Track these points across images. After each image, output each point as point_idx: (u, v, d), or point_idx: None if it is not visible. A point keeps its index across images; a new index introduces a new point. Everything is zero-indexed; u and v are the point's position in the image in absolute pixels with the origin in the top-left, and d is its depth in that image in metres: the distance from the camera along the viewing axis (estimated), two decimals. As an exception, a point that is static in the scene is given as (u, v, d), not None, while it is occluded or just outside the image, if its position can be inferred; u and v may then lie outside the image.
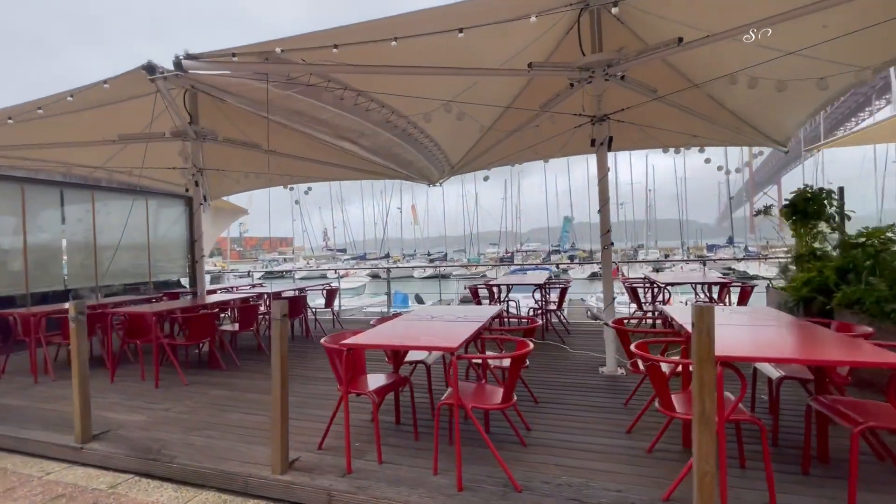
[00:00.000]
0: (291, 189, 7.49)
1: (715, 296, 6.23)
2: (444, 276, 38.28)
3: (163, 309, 5.10)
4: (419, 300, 21.11)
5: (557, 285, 6.81)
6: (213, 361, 5.47)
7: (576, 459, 2.86)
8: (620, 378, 4.47)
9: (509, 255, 51.02)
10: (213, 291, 7.64)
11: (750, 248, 46.40)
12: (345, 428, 2.82)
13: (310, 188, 7.38)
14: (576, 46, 4.81)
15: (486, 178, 6.89)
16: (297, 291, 6.95)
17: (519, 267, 35.53)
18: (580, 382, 4.37)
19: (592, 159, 4.80)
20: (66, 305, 6.09)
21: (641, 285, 6.63)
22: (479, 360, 3.27)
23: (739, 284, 5.67)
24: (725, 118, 5.76)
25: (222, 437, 3.44)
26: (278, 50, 2.94)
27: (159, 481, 3.06)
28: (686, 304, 6.01)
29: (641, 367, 2.95)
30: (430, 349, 2.72)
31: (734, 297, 6.03)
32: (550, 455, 2.92)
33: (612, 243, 4.67)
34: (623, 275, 22.60)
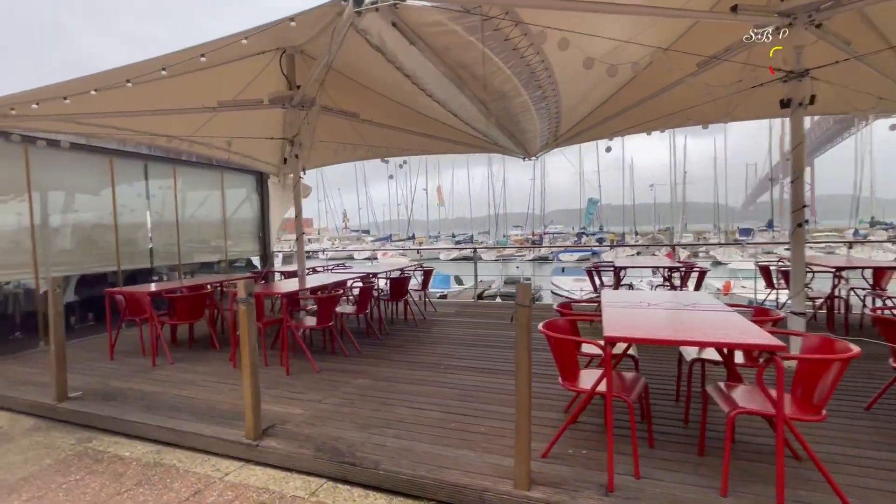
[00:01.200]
0: (386, 162, 6.99)
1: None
2: (471, 259, 37.85)
3: (293, 290, 4.68)
4: (459, 281, 20.85)
5: (680, 268, 6.20)
6: (333, 346, 5.09)
7: (883, 481, 2.35)
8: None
9: (537, 237, 50.08)
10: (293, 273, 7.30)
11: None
12: (607, 436, 2.34)
13: (405, 161, 6.87)
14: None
15: (608, 150, 6.27)
16: (399, 272, 6.50)
17: (574, 248, 34.66)
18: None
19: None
20: (155, 286, 5.73)
21: (778, 267, 5.97)
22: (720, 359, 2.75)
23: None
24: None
25: (411, 437, 3.01)
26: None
27: (362, 489, 2.66)
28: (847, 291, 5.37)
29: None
30: (748, 347, 2.21)
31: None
32: (844, 473, 2.41)
33: (807, 220, 4.04)
34: (680, 258, 21.74)
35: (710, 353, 2.90)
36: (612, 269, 6.39)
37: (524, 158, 7.60)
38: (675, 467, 2.53)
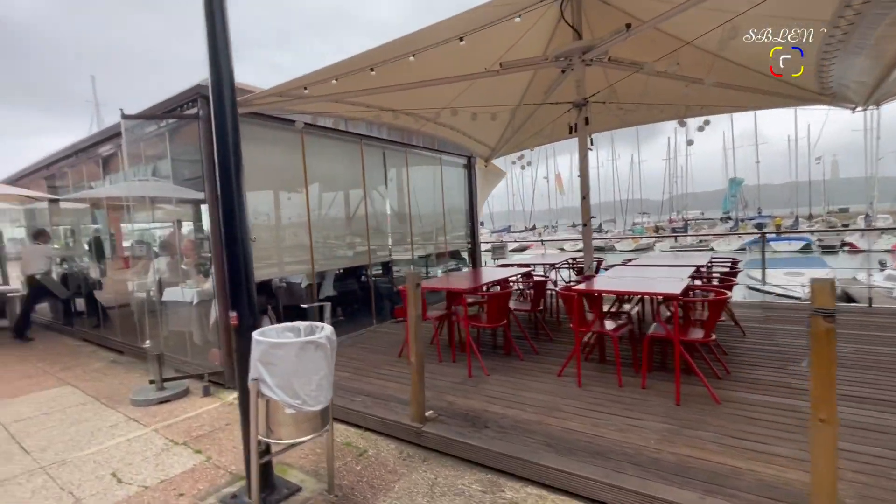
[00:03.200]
0: (683, 125, 5.62)
1: None
2: (604, 249, 34.51)
3: (669, 291, 3.50)
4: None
5: None
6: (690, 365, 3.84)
7: None
8: None
9: (679, 223, 44.48)
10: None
11: None
12: None
13: (707, 122, 5.39)
14: None
15: None
16: (708, 266, 5.08)
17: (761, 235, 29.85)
18: None
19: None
20: (459, 281, 4.78)
21: None
22: None
23: None
24: None
25: None
26: None
27: None
28: None
29: None
30: None
31: None
32: None
33: None
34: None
35: None
36: None
37: (853, 110, 5.59)
38: None
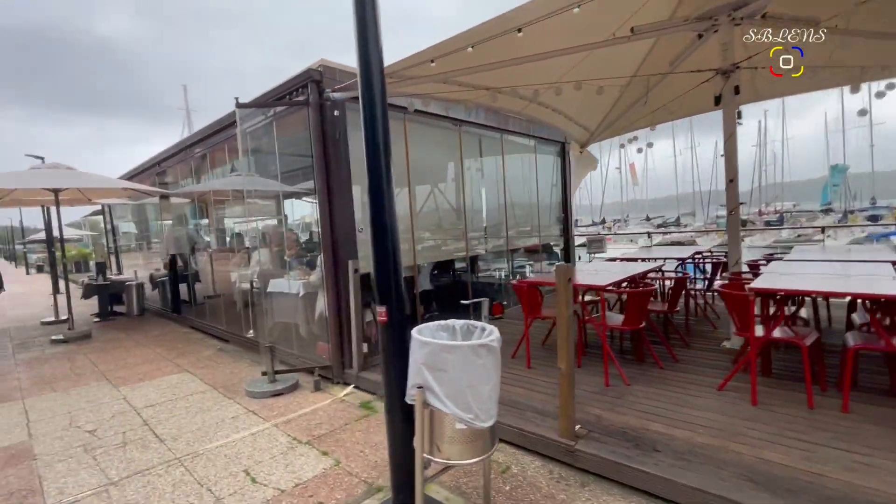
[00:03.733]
0: (857, 91, 4.68)
1: None
2: (682, 244, 31.69)
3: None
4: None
5: None
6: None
7: None
8: None
9: (772, 215, 40.01)
10: (756, 266, 4.90)
11: None
12: None
13: (891, 85, 4.42)
14: None
15: None
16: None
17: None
18: None
19: None
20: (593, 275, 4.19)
21: None
22: None
23: None
24: None
25: None
26: None
27: None
28: None
29: None
30: None
31: None
32: None
33: None
34: None
35: None
36: None
37: None
38: None
